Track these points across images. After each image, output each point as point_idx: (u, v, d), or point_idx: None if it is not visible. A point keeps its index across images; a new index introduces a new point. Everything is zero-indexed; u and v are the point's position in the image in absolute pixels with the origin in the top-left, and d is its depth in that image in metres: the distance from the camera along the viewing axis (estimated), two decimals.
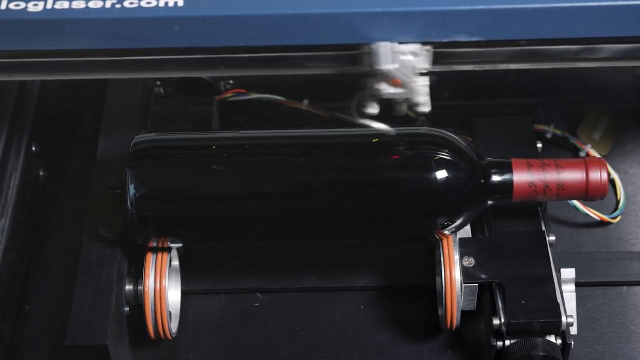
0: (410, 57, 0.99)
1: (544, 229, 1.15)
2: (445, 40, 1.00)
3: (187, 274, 1.20)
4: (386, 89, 0.99)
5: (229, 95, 1.30)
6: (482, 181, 1.09)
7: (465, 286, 1.11)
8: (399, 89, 0.99)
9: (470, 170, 1.08)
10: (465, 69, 1.03)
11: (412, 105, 1.01)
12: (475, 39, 0.99)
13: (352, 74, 1.02)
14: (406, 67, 0.98)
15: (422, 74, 1.00)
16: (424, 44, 1.00)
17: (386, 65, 0.98)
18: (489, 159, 1.10)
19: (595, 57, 1.03)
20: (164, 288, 1.11)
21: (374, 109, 1.01)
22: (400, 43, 0.99)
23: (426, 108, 1.00)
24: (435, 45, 1.00)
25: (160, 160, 1.10)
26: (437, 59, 1.01)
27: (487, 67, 1.04)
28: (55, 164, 1.33)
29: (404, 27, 0.99)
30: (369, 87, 1.00)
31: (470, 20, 0.99)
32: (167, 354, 1.17)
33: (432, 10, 0.99)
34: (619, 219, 1.27)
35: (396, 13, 0.99)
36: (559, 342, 1.09)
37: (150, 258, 1.13)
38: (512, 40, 1.01)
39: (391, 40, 0.99)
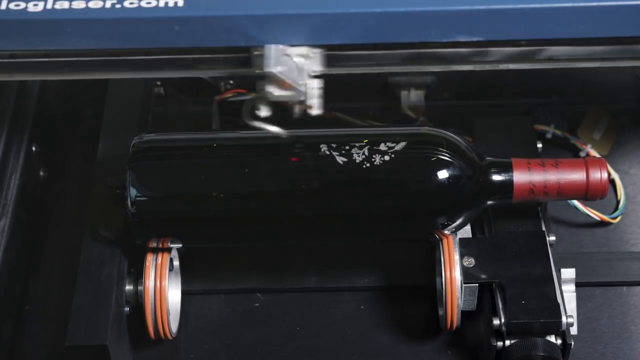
0: (300, 59, 0.99)
1: (544, 229, 1.15)
2: (336, 43, 1.00)
3: (187, 274, 1.20)
4: (275, 91, 0.99)
5: (229, 95, 1.30)
6: (482, 181, 1.09)
7: (465, 286, 1.11)
8: (287, 91, 0.99)
9: (470, 170, 1.08)
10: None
11: (304, 108, 1.01)
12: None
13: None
14: (293, 69, 0.98)
15: (314, 77, 1.00)
16: (313, 46, 1.00)
17: (273, 67, 0.98)
18: (489, 158, 1.10)
19: (595, 57, 1.03)
20: (164, 288, 1.11)
21: (264, 112, 1.01)
22: (291, 45, 0.99)
23: (315, 111, 1.01)
24: (326, 47, 1.00)
25: (160, 161, 1.10)
26: (329, 62, 1.01)
27: (487, 67, 1.04)
28: (55, 164, 1.33)
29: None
30: (259, 90, 1.00)
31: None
32: (167, 354, 1.17)
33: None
34: (619, 219, 1.27)
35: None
36: (559, 342, 1.09)
37: (150, 258, 1.13)
38: (511, 40, 1.01)
39: (280, 42, 0.99)
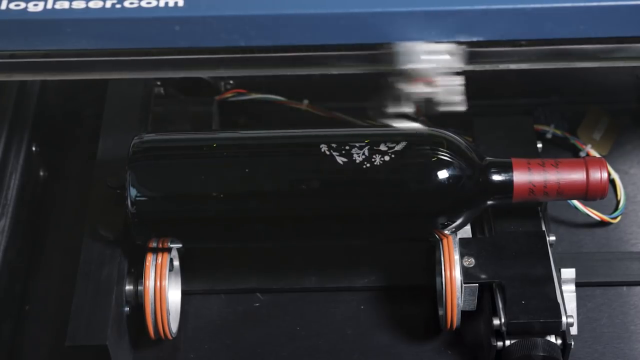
0: (441, 56, 0.99)
1: (544, 229, 1.15)
2: (478, 40, 1.00)
3: (187, 274, 1.20)
4: (416, 89, 0.99)
5: (229, 95, 1.30)
6: (482, 181, 1.09)
7: (465, 286, 1.11)
8: (430, 88, 0.99)
9: (470, 170, 1.08)
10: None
11: (445, 104, 1.00)
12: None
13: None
14: (437, 66, 0.98)
15: (455, 73, 1.00)
16: (456, 42, 1.00)
17: (416, 64, 0.97)
18: (489, 158, 1.10)
19: (595, 57, 1.03)
20: (164, 288, 1.11)
21: (407, 108, 1.00)
22: (432, 42, 0.99)
23: (461, 107, 1.00)
24: (469, 44, 1.00)
25: (160, 161, 1.10)
26: (471, 58, 1.01)
27: (487, 67, 1.04)
28: (55, 164, 1.33)
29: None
30: (400, 87, 0.99)
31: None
32: (167, 354, 1.17)
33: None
34: (619, 219, 1.27)
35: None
36: (559, 342, 1.09)
37: (150, 258, 1.13)
38: (511, 40, 1.01)
39: (425, 39, 0.99)
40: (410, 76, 0.98)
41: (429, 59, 0.98)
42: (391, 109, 1.01)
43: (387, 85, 1.00)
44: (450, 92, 0.99)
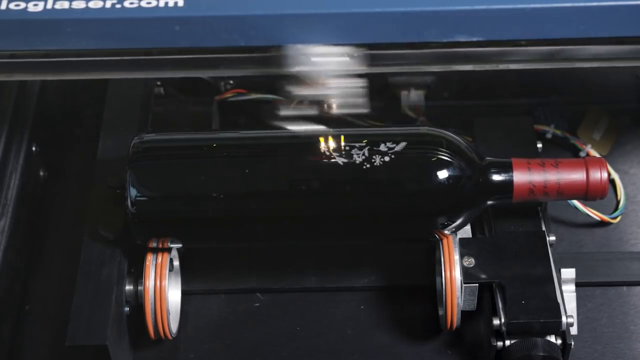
0: (329, 59, 0.99)
1: (544, 229, 1.15)
2: (371, 42, 1.00)
3: (187, 274, 1.20)
4: (303, 91, 0.99)
5: (229, 95, 1.30)
6: (482, 181, 1.09)
7: (465, 286, 1.11)
8: (318, 90, 0.99)
9: (470, 170, 1.08)
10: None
11: (345, 106, 1.01)
12: (470, 39, 0.99)
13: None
14: (323, 68, 0.98)
15: (350, 76, 1.00)
16: (346, 45, 1.00)
17: (302, 66, 0.97)
18: (489, 158, 1.10)
19: (595, 57, 1.03)
20: (164, 288, 1.11)
21: (289, 111, 1.01)
22: (314, 44, 0.99)
23: (363, 109, 1.00)
24: (360, 46, 1.00)
25: (160, 161, 1.10)
26: (367, 60, 1.01)
27: (487, 67, 1.04)
28: (55, 164, 1.33)
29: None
30: (291, 90, 1.00)
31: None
32: (167, 354, 1.17)
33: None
34: (619, 219, 1.27)
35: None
36: (559, 342, 1.09)
37: (150, 258, 1.13)
38: (511, 40, 1.01)
39: (311, 42, 0.99)
40: (298, 79, 0.98)
41: (319, 61, 0.98)
42: (285, 112, 1.01)
43: (281, 87, 1.01)
44: (347, 94, 0.99)
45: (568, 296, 1.13)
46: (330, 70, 0.98)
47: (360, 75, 1.00)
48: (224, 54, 1.02)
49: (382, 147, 1.08)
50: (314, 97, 1.00)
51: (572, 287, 1.14)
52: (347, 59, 0.99)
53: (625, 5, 0.99)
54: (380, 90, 1.33)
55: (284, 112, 1.01)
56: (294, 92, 0.99)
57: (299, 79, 0.98)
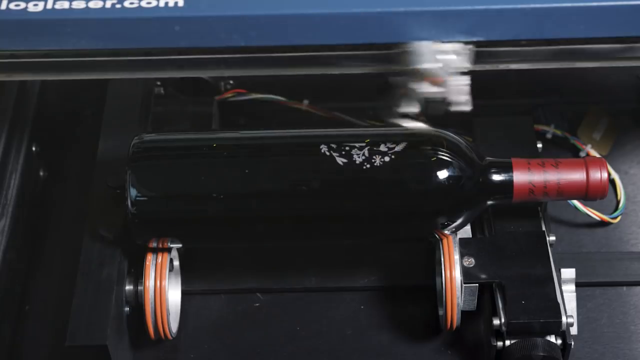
0: (452, 56, 0.99)
1: (544, 229, 1.15)
2: (486, 39, 1.00)
3: (187, 274, 1.20)
4: (426, 88, 0.99)
5: (229, 95, 1.30)
6: (482, 181, 1.09)
7: (465, 286, 1.11)
8: (440, 87, 0.99)
9: (470, 170, 1.08)
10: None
11: (452, 104, 1.01)
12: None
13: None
14: (447, 65, 0.98)
15: (462, 73, 1.00)
16: (465, 42, 1.00)
17: (428, 63, 0.97)
18: (489, 158, 1.10)
19: (595, 57, 1.03)
20: (164, 288, 1.11)
21: (414, 108, 1.00)
22: (442, 42, 0.99)
23: (467, 107, 1.00)
24: (476, 44, 1.00)
25: (160, 161, 1.10)
26: (477, 58, 1.01)
27: (488, 67, 1.04)
28: (55, 164, 1.33)
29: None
30: (407, 87, 0.99)
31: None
32: (167, 354, 1.17)
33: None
34: (619, 219, 1.27)
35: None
36: (559, 342, 1.09)
37: (150, 258, 1.13)
38: (511, 40, 1.01)
39: (432, 39, 0.99)
40: (420, 76, 0.98)
41: (439, 58, 0.98)
42: (399, 109, 1.01)
43: (396, 84, 1.00)
44: (458, 92, 0.99)
45: (568, 296, 1.13)
46: (446, 69, 0.98)
47: (465, 73, 1.00)
48: (224, 54, 1.02)
49: (382, 147, 1.08)
50: (430, 94, 0.99)
51: (572, 287, 1.14)
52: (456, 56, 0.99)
53: (625, 5, 0.99)
54: (381, 90, 1.33)
55: (404, 109, 1.01)
56: (418, 90, 0.99)
57: (418, 76, 0.98)
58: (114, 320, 1.09)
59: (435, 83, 0.98)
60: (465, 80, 1.00)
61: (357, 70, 1.05)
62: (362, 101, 1.33)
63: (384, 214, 1.10)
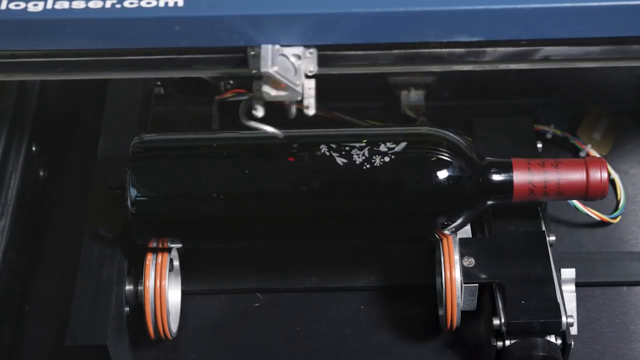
0: (293, 60, 0.99)
1: (544, 229, 1.15)
2: (331, 43, 1.00)
3: (187, 274, 1.20)
4: (271, 92, 0.99)
5: (229, 95, 1.30)
6: (482, 181, 1.09)
7: (465, 286, 1.11)
8: (283, 91, 0.99)
9: (470, 170, 1.08)
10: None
11: (300, 108, 1.01)
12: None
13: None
14: (287, 69, 0.98)
15: (308, 77, 1.00)
16: (309, 46, 1.00)
17: (269, 67, 0.97)
18: (489, 158, 1.10)
19: (595, 57, 1.03)
20: (164, 288, 1.11)
21: (260, 112, 1.01)
22: (283, 45, 0.99)
23: (311, 111, 1.00)
24: (320, 47, 1.00)
25: (160, 161, 1.10)
26: (324, 62, 1.01)
27: (487, 67, 1.04)
28: (55, 164, 1.33)
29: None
30: (255, 90, 1.00)
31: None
32: (167, 354, 1.17)
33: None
34: (619, 219, 1.27)
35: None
36: (559, 342, 1.09)
37: (150, 258, 1.13)
38: (511, 40, 1.01)
39: (275, 42, 0.99)
40: (265, 79, 0.98)
41: (280, 62, 0.98)
42: (249, 112, 1.01)
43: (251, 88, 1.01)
44: (304, 96, 1.00)
45: (568, 296, 1.13)
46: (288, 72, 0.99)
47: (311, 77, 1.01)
48: (224, 54, 1.02)
49: (382, 148, 1.08)
50: (276, 98, 1.00)
51: (572, 287, 1.14)
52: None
53: (625, 5, 0.99)
54: (381, 90, 1.33)
55: (260, 114, 1.01)
56: (263, 93, 0.99)
57: (262, 79, 0.99)
58: (114, 320, 1.09)
59: (277, 87, 0.99)
60: (311, 83, 1.00)
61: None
62: (362, 101, 1.33)
63: (384, 214, 1.10)
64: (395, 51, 1.01)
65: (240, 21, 0.98)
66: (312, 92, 1.00)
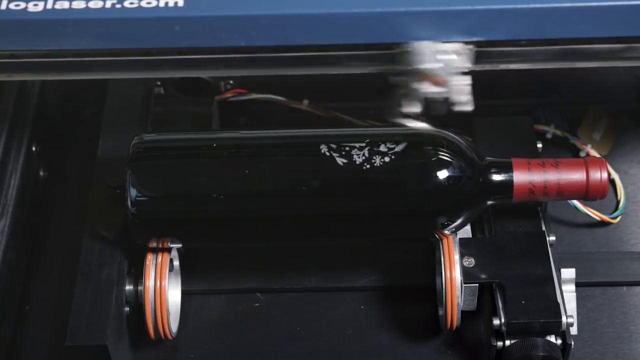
0: (452, 56, 0.99)
1: (544, 229, 1.15)
2: (487, 39, 1.00)
3: (187, 274, 1.20)
4: (428, 88, 0.99)
5: (229, 95, 1.30)
6: (482, 181, 1.09)
7: (465, 286, 1.11)
8: (441, 87, 0.99)
9: (470, 170, 1.08)
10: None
11: (453, 104, 1.01)
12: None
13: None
14: (448, 65, 0.98)
15: (463, 73, 1.00)
16: (466, 42, 1.00)
17: (428, 63, 0.97)
18: (489, 158, 1.10)
19: (595, 57, 1.03)
20: (164, 288, 1.11)
21: (416, 108, 1.00)
22: (442, 42, 0.99)
23: (468, 107, 1.00)
24: (477, 44, 1.00)
25: (160, 161, 1.10)
26: (478, 58, 1.01)
27: (488, 67, 1.04)
28: (55, 164, 1.33)
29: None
30: (408, 87, 0.99)
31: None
32: (167, 354, 1.17)
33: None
34: (619, 219, 1.27)
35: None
36: (559, 342, 1.09)
37: (150, 258, 1.13)
38: (511, 40, 1.01)
39: (433, 39, 0.99)
40: (422, 76, 0.98)
41: (440, 58, 0.98)
42: (401, 109, 1.01)
43: (396, 84, 1.00)
44: (459, 92, 0.99)
45: (568, 296, 1.13)
46: (448, 68, 0.98)
47: (466, 73, 1.00)
48: (224, 54, 1.02)
49: (382, 148, 1.08)
50: (431, 94, 0.99)
51: (572, 287, 1.14)
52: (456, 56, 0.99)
53: (625, 5, 0.99)
54: (381, 90, 1.33)
55: (406, 109, 1.01)
56: (420, 89, 0.99)
57: (418, 76, 0.98)
58: (114, 320, 1.09)
59: (436, 83, 0.98)
60: (466, 80, 1.00)
61: (358, 70, 1.05)
62: (362, 101, 1.33)
63: (384, 214, 1.10)
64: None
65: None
66: (468, 88, 1.00)
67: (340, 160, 1.08)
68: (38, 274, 1.24)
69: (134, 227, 1.09)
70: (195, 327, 1.19)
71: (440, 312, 1.14)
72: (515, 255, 1.12)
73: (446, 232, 1.11)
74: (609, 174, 1.26)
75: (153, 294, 1.11)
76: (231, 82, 1.31)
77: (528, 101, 1.34)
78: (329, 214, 1.10)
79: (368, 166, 1.07)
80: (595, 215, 1.25)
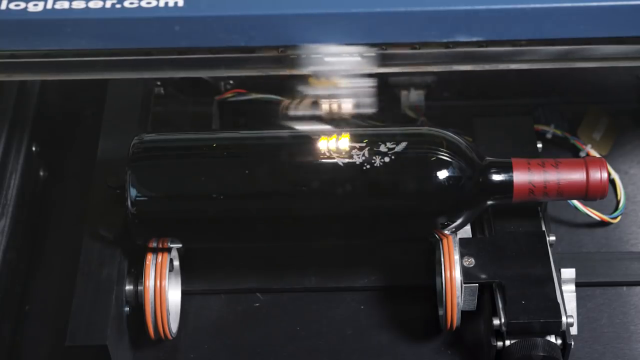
0: (351, 58, 0.99)
1: (544, 229, 1.15)
2: (386, 42, 1.00)
3: (187, 274, 1.20)
4: (319, 90, 0.99)
5: (229, 95, 1.30)
6: (482, 181, 1.09)
7: (465, 286, 1.11)
8: (337, 90, 0.99)
9: (470, 170, 1.08)
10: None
11: (354, 106, 1.01)
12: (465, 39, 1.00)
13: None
14: (340, 68, 0.98)
15: (365, 75, 1.00)
16: (364, 45, 0.99)
17: (320, 67, 0.97)
18: (489, 158, 1.10)
19: (595, 57, 1.03)
20: (164, 288, 1.11)
21: (306, 110, 1.00)
22: (340, 45, 0.99)
23: (371, 109, 1.00)
24: (377, 46, 1.00)
25: (160, 161, 1.10)
26: (379, 61, 1.01)
27: (487, 67, 1.04)
28: (55, 164, 1.33)
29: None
30: (306, 89, 1.00)
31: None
32: (167, 354, 1.17)
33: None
34: (619, 219, 1.27)
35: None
36: (559, 342, 1.09)
37: (150, 258, 1.13)
38: (511, 40, 1.01)
39: (329, 42, 0.99)
40: (314, 78, 0.98)
41: (332, 61, 0.98)
42: (293, 111, 1.01)
43: (294, 87, 1.01)
44: (357, 94, 0.99)
45: (568, 296, 1.13)
46: (342, 70, 0.98)
47: (369, 75, 1.00)
48: (224, 54, 1.02)
49: (382, 148, 1.08)
50: (325, 96, 0.99)
51: (572, 287, 1.14)
52: (359, 58, 0.98)
53: (625, 5, 0.99)
54: (380, 90, 1.33)
55: (292, 112, 1.01)
56: (306, 91, 0.99)
57: (310, 79, 0.98)
58: (114, 320, 1.09)
59: (329, 85, 0.99)
60: (368, 82, 1.00)
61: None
62: None
63: (384, 214, 1.10)
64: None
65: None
66: (369, 90, 1.00)
67: (340, 161, 1.08)
68: (38, 274, 1.24)
69: (134, 227, 1.09)
70: (195, 327, 1.19)
71: (440, 312, 1.14)
72: (515, 255, 1.12)
73: (446, 232, 1.11)
74: (609, 174, 1.26)
75: (153, 294, 1.11)
76: (231, 82, 1.31)
77: (528, 101, 1.34)
78: (329, 214, 1.10)
79: (368, 166, 1.07)
80: (595, 215, 1.25)
